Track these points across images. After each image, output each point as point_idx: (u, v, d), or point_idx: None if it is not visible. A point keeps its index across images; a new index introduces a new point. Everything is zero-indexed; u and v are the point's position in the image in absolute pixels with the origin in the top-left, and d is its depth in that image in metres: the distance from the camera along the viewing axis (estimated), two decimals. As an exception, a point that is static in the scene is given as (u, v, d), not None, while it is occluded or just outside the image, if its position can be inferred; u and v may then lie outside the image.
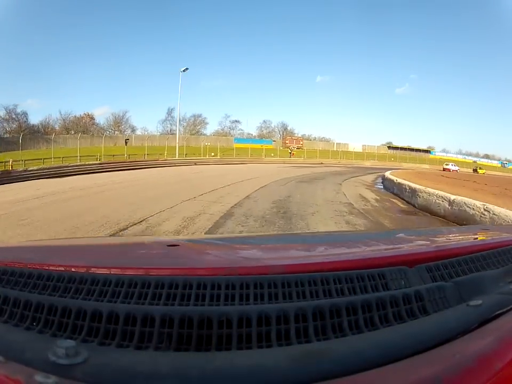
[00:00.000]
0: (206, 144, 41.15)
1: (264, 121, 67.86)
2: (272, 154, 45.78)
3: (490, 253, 0.85)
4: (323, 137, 69.46)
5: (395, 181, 12.44)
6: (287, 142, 56.36)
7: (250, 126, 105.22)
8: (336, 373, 0.40)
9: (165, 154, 33.79)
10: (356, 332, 0.52)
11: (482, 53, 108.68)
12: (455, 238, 1.28)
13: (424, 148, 68.99)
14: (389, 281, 0.67)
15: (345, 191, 12.34)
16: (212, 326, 0.49)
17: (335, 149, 57.52)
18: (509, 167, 71.23)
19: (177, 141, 37.70)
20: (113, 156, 30.93)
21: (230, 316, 0.50)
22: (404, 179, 12.11)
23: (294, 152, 47.38)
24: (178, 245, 1.04)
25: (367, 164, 47.43)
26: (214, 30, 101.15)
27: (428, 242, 1.20)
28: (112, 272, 0.68)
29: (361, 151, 59.41)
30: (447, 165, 46.73)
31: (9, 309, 0.56)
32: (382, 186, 15.12)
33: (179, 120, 44.64)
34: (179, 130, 46.04)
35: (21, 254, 1.01)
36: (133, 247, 1.21)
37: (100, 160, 26.51)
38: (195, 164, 29.54)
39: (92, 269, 0.69)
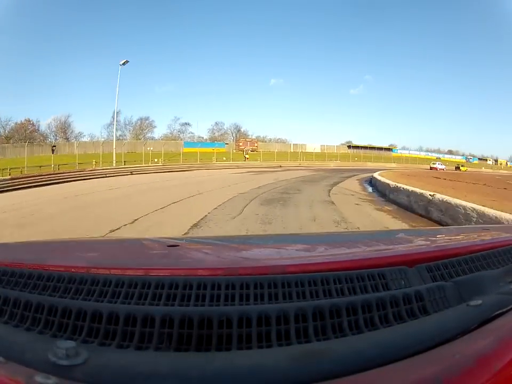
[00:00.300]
0: (149, 149, 35.60)
1: (216, 123, 63.91)
2: (225, 158, 41.30)
3: (490, 252, 0.85)
4: (279, 139, 66.32)
5: (418, 193, 8.24)
6: (240, 144, 52.69)
7: (201, 129, 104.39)
8: (336, 373, 0.40)
9: (100, 162, 28.99)
10: (355, 332, 0.53)
11: (435, 51, 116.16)
12: (455, 238, 1.27)
13: (386, 146, 68.15)
14: (389, 281, 0.67)
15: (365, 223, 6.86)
16: (212, 326, 0.50)
17: (292, 150, 54.15)
18: (474, 161, 71.76)
19: (113, 147, 31.63)
20: (41, 167, 25.30)
21: (230, 316, 0.51)
22: (421, 188, 8.82)
23: (248, 156, 41.33)
24: (178, 245, 1.04)
25: (331, 165, 43.69)
26: (162, 32, 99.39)
27: (428, 242, 1.20)
28: (112, 273, 0.67)
29: (320, 151, 56.31)
30: (434, 164, 47.58)
31: (10, 309, 0.57)
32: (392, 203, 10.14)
33: (115, 124, 38.05)
34: (117, 135, 40.20)
35: (21, 254, 1.01)
36: (133, 248, 1.20)
37: (11, 174, 21.22)
38: (131, 173, 24.67)
39: (92, 269, 0.69)
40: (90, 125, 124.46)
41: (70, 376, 0.37)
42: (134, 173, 24.98)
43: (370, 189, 14.64)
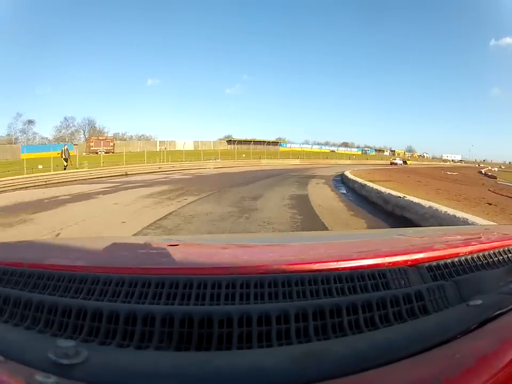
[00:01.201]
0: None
1: (65, 118, 51.36)
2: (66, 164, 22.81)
3: (490, 252, 0.85)
4: (142, 135, 55.21)
5: None
6: (92, 144, 42.83)
7: (47, 128, 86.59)
8: (336, 373, 0.40)
9: None
10: (356, 331, 0.53)
11: (313, 45, 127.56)
12: (455, 238, 1.27)
13: (273, 139, 60.65)
14: (390, 280, 0.67)
15: None
16: (212, 326, 0.50)
17: (158, 149, 42.48)
18: (372, 153, 69.97)
19: None
20: None
21: (230, 315, 0.51)
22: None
23: (72, 161, 20.21)
24: (178, 245, 1.05)
25: (209, 166, 27.72)
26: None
27: (428, 241, 1.19)
28: (112, 272, 0.67)
29: (193, 148, 44.40)
30: (394, 159, 52.05)
31: (10, 308, 0.57)
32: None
33: None
34: None
35: (21, 253, 1.01)
36: (133, 247, 1.20)
37: None
38: None
39: (92, 268, 0.69)
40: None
41: (70, 375, 0.37)
42: None
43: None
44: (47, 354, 0.39)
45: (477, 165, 71.17)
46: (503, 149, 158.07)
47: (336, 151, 58.63)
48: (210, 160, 32.06)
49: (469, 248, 0.85)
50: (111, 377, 0.38)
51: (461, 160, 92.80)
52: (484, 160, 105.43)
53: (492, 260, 0.82)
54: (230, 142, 56.34)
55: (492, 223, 4.56)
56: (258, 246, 1.25)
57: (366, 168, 23.66)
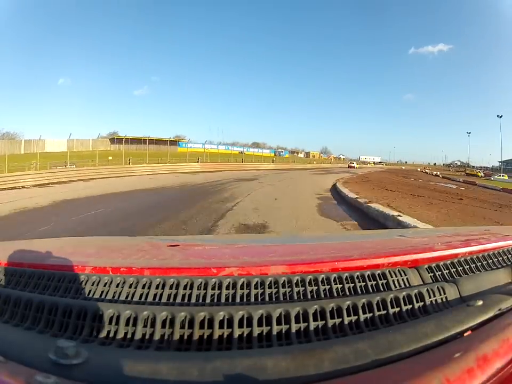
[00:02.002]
0: None
1: None
2: None
3: (490, 253, 0.85)
4: (6, 132, 40.43)
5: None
6: None
7: None
8: (336, 373, 0.41)
9: None
10: (356, 331, 0.53)
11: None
12: (455, 239, 1.26)
13: (171, 138, 50.66)
14: (390, 281, 0.67)
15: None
16: (213, 326, 0.50)
17: (24, 151, 32.89)
18: (286, 155, 66.72)
19: None
20: None
21: (231, 316, 0.51)
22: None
23: None
24: (178, 245, 1.05)
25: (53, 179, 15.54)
26: None
27: (429, 242, 1.20)
28: (113, 273, 0.67)
29: (66, 149, 27.18)
30: (352, 163, 55.54)
31: (10, 309, 0.57)
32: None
33: None
34: None
35: (21, 254, 1.00)
36: (134, 247, 1.20)
37: None
38: None
39: (93, 269, 0.69)
40: None
41: (70, 376, 0.38)
42: None
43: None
44: (47, 354, 0.40)
45: (419, 168, 71.32)
46: (420, 151, 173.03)
47: (245, 153, 50.19)
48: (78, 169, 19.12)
49: (469, 249, 0.86)
50: (111, 378, 0.39)
51: (380, 162, 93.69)
52: (406, 162, 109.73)
53: (491, 260, 0.83)
54: (114, 140, 45.72)
55: None
56: (258, 247, 1.25)
57: (334, 179, 17.14)
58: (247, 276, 0.64)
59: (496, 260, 0.84)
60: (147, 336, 0.49)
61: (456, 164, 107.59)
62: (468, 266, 0.78)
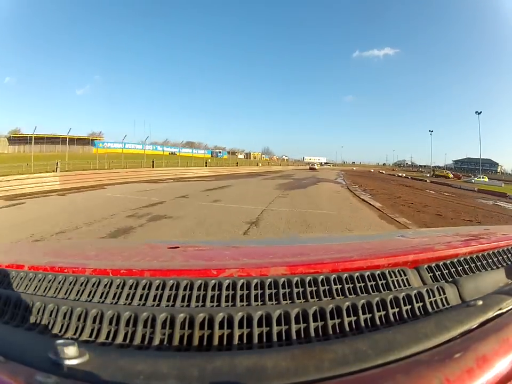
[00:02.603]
0: None
1: None
2: None
3: (490, 253, 0.85)
4: None
5: None
6: None
7: None
8: (336, 373, 0.41)
9: None
10: (356, 332, 0.53)
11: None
12: (455, 238, 1.26)
13: (84, 135, 45.50)
14: (390, 281, 0.67)
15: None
16: (213, 327, 0.50)
17: None
18: (224, 156, 61.29)
19: None
20: None
21: (231, 316, 0.51)
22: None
23: None
24: (178, 247, 1.06)
25: None
26: None
27: (428, 242, 1.19)
28: (113, 274, 0.67)
29: None
30: (313, 165, 54.12)
31: (11, 310, 0.58)
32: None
33: None
34: None
35: (22, 256, 1.01)
36: (134, 250, 1.20)
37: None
38: None
39: (94, 271, 0.70)
40: None
41: (70, 376, 0.38)
42: None
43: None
44: (48, 354, 0.40)
45: (372, 169, 70.54)
46: (367, 151, 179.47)
47: (178, 154, 38.02)
48: None
49: (469, 249, 0.86)
50: (111, 378, 0.39)
51: (326, 163, 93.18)
52: (354, 162, 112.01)
53: (491, 260, 0.83)
54: (11, 140, 40.03)
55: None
56: (258, 248, 1.25)
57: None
58: (247, 277, 0.64)
59: (496, 259, 0.84)
60: (147, 337, 0.50)
61: (406, 163, 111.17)
62: (467, 266, 0.78)
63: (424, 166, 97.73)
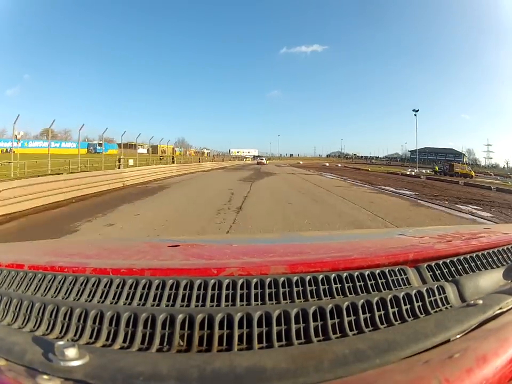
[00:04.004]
0: None
1: None
2: None
3: (490, 252, 0.85)
4: None
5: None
6: None
7: None
8: (336, 373, 0.41)
9: None
10: (356, 332, 0.53)
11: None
12: (455, 237, 1.27)
13: None
14: (390, 280, 0.67)
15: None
16: (213, 327, 0.50)
17: None
18: (112, 150, 38.50)
19: None
20: None
21: (231, 316, 0.51)
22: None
23: None
24: (179, 245, 1.05)
25: None
26: None
27: (429, 241, 1.19)
28: (113, 274, 0.67)
29: None
30: (261, 159, 47.72)
31: (12, 310, 0.58)
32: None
33: None
34: None
35: (23, 255, 1.00)
36: (134, 248, 1.20)
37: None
38: None
39: (94, 270, 0.69)
40: None
41: (71, 377, 0.38)
42: None
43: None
44: (49, 356, 0.40)
45: (327, 163, 61.84)
46: (304, 142, 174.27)
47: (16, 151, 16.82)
48: None
49: (469, 248, 0.85)
50: (112, 379, 0.39)
51: (259, 156, 72.42)
52: (292, 155, 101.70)
53: (491, 259, 0.82)
54: None
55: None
56: (258, 247, 1.25)
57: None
58: (247, 276, 0.64)
59: (496, 258, 0.84)
60: (147, 337, 0.49)
61: (355, 155, 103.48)
62: (467, 265, 0.77)
63: (376, 157, 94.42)
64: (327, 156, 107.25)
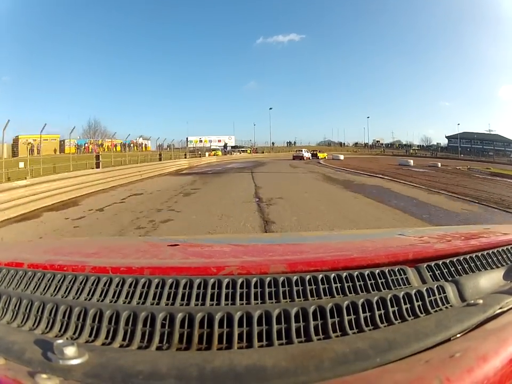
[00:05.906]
0: None
1: None
2: None
3: (490, 252, 0.85)
4: None
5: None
6: None
7: None
8: (336, 372, 0.41)
9: None
10: (356, 331, 0.53)
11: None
12: (455, 237, 1.27)
13: None
14: (390, 280, 0.66)
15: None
16: (212, 325, 0.50)
17: None
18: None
19: None
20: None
21: (231, 315, 0.51)
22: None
23: None
24: (178, 245, 1.04)
25: None
26: None
27: (428, 241, 1.19)
28: (113, 272, 0.67)
29: None
30: (300, 151, 36.29)
31: (11, 309, 0.58)
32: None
33: None
34: None
35: (21, 253, 1.01)
36: (134, 247, 1.19)
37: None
38: None
39: (93, 269, 0.69)
40: None
41: (70, 376, 0.38)
42: None
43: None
44: (48, 355, 0.40)
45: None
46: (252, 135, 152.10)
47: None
48: None
49: (469, 248, 0.85)
50: (111, 378, 0.39)
51: (237, 146, 50.81)
52: (290, 144, 64.27)
53: (491, 259, 0.82)
54: None
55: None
56: (258, 246, 1.24)
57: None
58: (247, 275, 0.63)
59: (496, 258, 0.83)
60: (147, 336, 0.49)
61: (379, 142, 72.55)
62: (467, 265, 0.77)
63: (409, 145, 67.37)
64: (318, 144, 71.22)
